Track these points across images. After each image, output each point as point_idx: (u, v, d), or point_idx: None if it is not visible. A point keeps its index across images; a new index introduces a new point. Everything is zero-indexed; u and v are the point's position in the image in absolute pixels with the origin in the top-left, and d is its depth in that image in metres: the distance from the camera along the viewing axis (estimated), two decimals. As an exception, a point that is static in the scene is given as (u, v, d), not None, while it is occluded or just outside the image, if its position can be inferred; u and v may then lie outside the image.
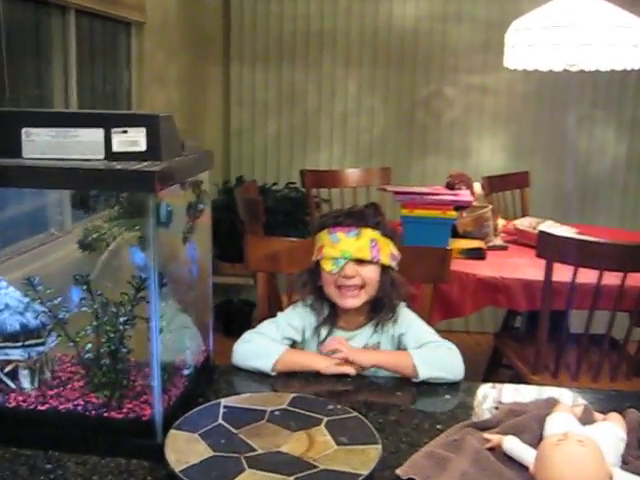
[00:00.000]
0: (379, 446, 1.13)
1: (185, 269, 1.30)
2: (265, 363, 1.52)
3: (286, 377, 1.53)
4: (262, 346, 1.58)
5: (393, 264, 1.66)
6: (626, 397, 1.49)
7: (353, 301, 1.61)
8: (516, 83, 4.23)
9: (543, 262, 2.30)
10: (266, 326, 1.65)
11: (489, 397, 1.48)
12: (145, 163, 1.10)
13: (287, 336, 1.65)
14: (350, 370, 1.51)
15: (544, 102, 4.25)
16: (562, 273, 2.29)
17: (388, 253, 1.64)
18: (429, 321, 1.91)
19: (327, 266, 1.59)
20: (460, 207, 2.83)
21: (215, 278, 4.21)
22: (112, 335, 1.16)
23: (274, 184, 4.32)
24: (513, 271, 2.54)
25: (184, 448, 1.11)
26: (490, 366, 3.43)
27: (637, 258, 2.20)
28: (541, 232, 2.24)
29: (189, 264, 1.32)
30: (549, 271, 2.26)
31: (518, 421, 1.26)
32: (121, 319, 1.16)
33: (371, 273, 1.61)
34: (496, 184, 3.62)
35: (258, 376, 1.53)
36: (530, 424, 1.25)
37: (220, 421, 1.21)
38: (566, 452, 1.03)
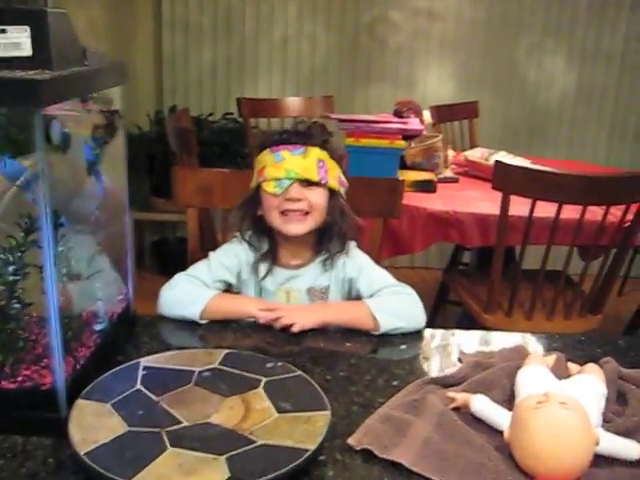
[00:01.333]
0: (328, 412, 0.96)
1: (91, 204, 1.08)
2: (192, 311, 1.34)
3: (219, 327, 1.34)
4: (189, 292, 1.39)
5: (342, 190, 1.48)
6: (596, 342, 1.35)
7: (298, 226, 1.42)
8: (465, 8, 4.02)
9: (496, 195, 2.15)
10: (197, 268, 1.46)
11: (450, 347, 1.32)
12: (31, 72, 0.87)
13: (220, 278, 1.46)
14: (294, 326, 1.32)
15: (493, 29, 4.05)
16: (517, 207, 2.14)
17: (336, 177, 1.46)
18: (378, 259, 1.74)
19: (269, 187, 1.40)
20: (409, 137, 2.64)
21: (149, 215, 3.97)
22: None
23: (210, 114, 4.05)
24: (465, 205, 2.38)
25: (93, 423, 0.91)
26: (437, 303, 3.33)
27: (597, 190, 2.06)
28: (497, 162, 2.08)
29: (97, 198, 1.10)
30: (505, 204, 2.10)
31: (486, 376, 1.10)
32: (10, 268, 0.94)
33: (319, 197, 1.43)
34: (444, 114, 3.44)
35: (187, 327, 1.33)
36: (500, 379, 1.09)
37: (138, 386, 1.02)
38: (548, 417, 0.87)
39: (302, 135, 1.43)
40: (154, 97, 4.21)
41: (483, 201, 2.41)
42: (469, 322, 2.49)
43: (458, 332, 1.38)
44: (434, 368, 1.22)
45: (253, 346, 1.25)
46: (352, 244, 1.51)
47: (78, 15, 3.22)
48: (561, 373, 1.10)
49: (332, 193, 1.45)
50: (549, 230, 2.14)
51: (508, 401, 1.06)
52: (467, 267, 3.22)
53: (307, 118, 3.36)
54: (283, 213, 1.41)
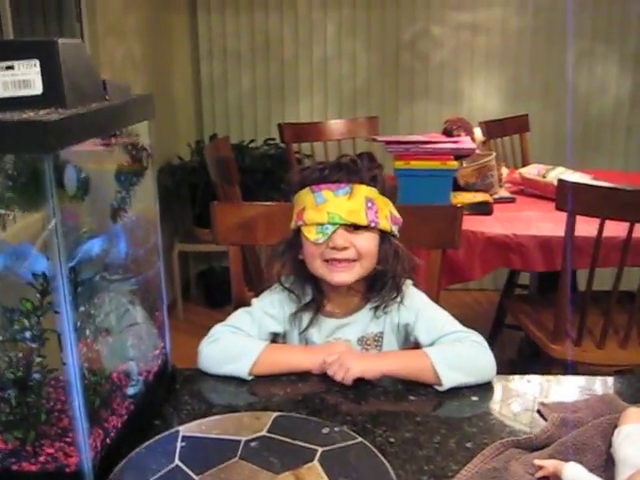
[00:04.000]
0: (395, 491, 0.82)
1: (118, 252, 0.96)
2: (240, 367, 1.20)
3: (266, 381, 1.20)
4: (235, 345, 1.24)
5: (394, 229, 1.31)
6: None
7: (345, 275, 1.26)
8: (509, 19, 3.86)
9: (556, 215, 1.99)
10: (238, 318, 1.32)
11: (527, 396, 1.16)
12: (42, 112, 0.76)
13: (266, 329, 1.32)
14: (349, 374, 1.16)
15: (540, 38, 3.88)
16: (581, 227, 1.98)
17: (388, 215, 1.29)
18: (437, 294, 1.60)
19: (311, 234, 1.24)
20: (460, 156, 2.49)
21: (193, 246, 3.89)
22: (16, 357, 0.82)
23: (251, 141, 3.96)
24: (525, 227, 2.21)
25: (124, 511, 0.79)
26: (494, 328, 3.15)
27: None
28: (560, 181, 1.91)
29: (123, 246, 0.98)
30: (571, 226, 1.93)
31: (576, 437, 0.95)
32: (27, 334, 0.82)
33: (368, 242, 1.26)
34: (494, 129, 3.28)
35: (232, 382, 1.20)
36: (593, 440, 0.94)
37: (177, 462, 0.89)
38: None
39: (346, 171, 1.25)
40: (194, 126, 4.16)
41: (544, 222, 2.24)
42: (531, 349, 2.32)
43: (533, 378, 1.22)
44: (511, 424, 1.06)
45: (306, 404, 1.12)
46: (408, 282, 1.35)
47: (116, 47, 3.17)
48: (665, 431, 0.94)
49: (383, 234, 1.29)
50: (618, 251, 1.97)
51: (605, 468, 0.90)
52: (528, 291, 3.03)
53: (352, 140, 3.30)
54: (327, 262, 1.26)
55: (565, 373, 2.24)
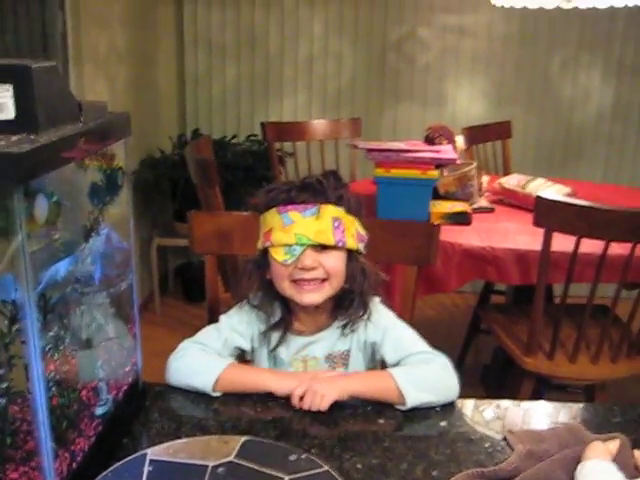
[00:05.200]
0: (359, 526, 0.82)
1: (88, 271, 0.96)
2: (203, 382, 1.20)
3: (237, 399, 1.20)
4: (200, 360, 1.25)
5: (361, 247, 1.31)
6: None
7: (314, 295, 1.26)
8: (496, 24, 3.86)
9: (535, 228, 1.99)
10: (206, 334, 1.32)
11: (495, 421, 1.17)
12: (14, 138, 0.75)
13: (233, 345, 1.33)
14: (321, 403, 1.16)
15: (526, 44, 3.89)
16: (559, 242, 1.99)
17: (354, 234, 1.29)
18: (412, 312, 1.60)
19: (279, 256, 1.24)
20: (441, 165, 2.49)
21: (172, 240, 3.85)
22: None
23: (234, 137, 3.94)
24: (503, 239, 2.22)
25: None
26: (469, 332, 3.18)
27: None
28: (539, 198, 1.92)
29: (95, 263, 0.97)
30: (547, 242, 1.95)
31: (541, 470, 0.96)
32: (-7, 359, 0.81)
33: (336, 262, 1.27)
34: (477, 135, 3.29)
35: (202, 399, 1.20)
36: (556, 474, 0.95)
37: (142, 487, 0.89)
38: None
39: (312, 191, 1.25)
40: (177, 119, 4.13)
41: (521, 234, 2.25)
42: (505, 356, 2.34)
43: (502, 403, 1.23)
44: (478, 452, 1.07)
45: (275, 424, 1.12)
46: (375, 300, 1.36)
47: (100, 37, 3.14)
48: (628, 466, 0.95)
49: (350, 253, 1.29)
50: (594, 267, 1.99)
51: (567, 502, 0.91)
52: (504, 300, 3.05)
53: (334, 140, 3.30)
54: (296, 282, 1.26)
55: (536, 385, 2.27)
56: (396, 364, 1.27)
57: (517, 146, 3.68)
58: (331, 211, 1.25)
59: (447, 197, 2.52)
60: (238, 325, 1.33)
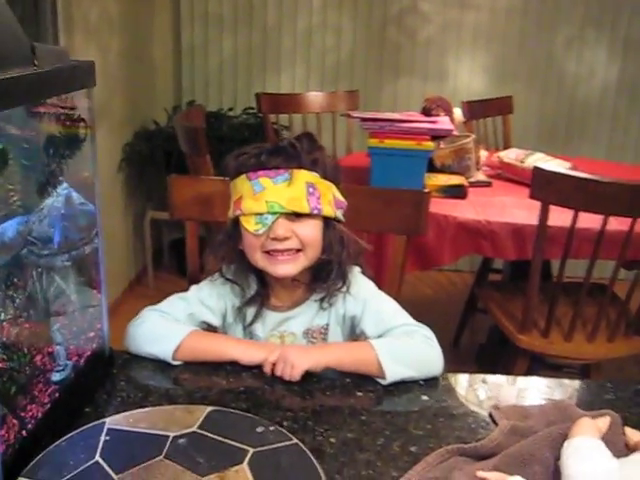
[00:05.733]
0: (326, 502, 0.76)
1: (46, 232, 0.89)
2: (163, 349, 1.14)
3: (208, 368, 1.14)
4: (160, 326, 1.18)
5: (339, 214, 1.23)
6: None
7: (288, 267, 1.19)
8: (499, -3, 3.77)
9: (532, 202, 1.92)
10: (171, 303, 1.25)
11: (480, 397, 1.11)
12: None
13: (200, 319, 1.25)
14: (293, 372, 1.10)
15: (530, 19, 3.80)
16: (556, 216, 1.92)
17: (331, 200, 1.20)
18: (400, 284, 1.54)
19: (250, 225, 1.17)
20: (438, 137, 2.42)
21: (167, 214, 3.82)
22: None
23: (230, 109, 3.87)
24: (499, 213, 2.15)
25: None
26: (466, 311, 3.12)
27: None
28: (536, 169, 1.85)
29: (53, 225, 0.91)
30: (544, 215, 1.88)
31: (524, 447, 0.89)
32: None
33: (311, 230, 1.19)
34: (477, 110, 3.21)
35: (171, 368, 1.14)
36: (541, 452, 0.88)
37: (97, 458, 0.83)
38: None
39: (285, 156, 1.17)
40: (172, 91, 4.06)
41: (518, 209, 2.18)
42: (502, 336, 2.28)
43: (490, 378, 1.17)
44: (460, 428, 1.01)
45: (247, 396, 1.06)
46: (355, 270, 1.28)
47: (92, 6, 3.06)
48: (618, 444, 0.89)
49: (327, 221, 1.22)
50: (592, 243, 1.92)
51: (552, 481, 0.85)
52: (501, 278, 2.99)
53: (331, 113, 3.22)
54: (269, 253, 1.19)
55: (531, 364, 2.22)
56: (378, 337, 1.20)
57: (519, 122, 3.60)
58: (304, 176, 1.17)
59: (443, 170, 2.45)
60: (208, 298, 1.26)
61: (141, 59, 3.76)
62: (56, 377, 0.94)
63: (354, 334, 1.28)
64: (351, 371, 1.13)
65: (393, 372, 1.10)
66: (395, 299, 1.30)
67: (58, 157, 0.89)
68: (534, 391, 1.15)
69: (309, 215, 1.17)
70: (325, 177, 1.20)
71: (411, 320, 1.21)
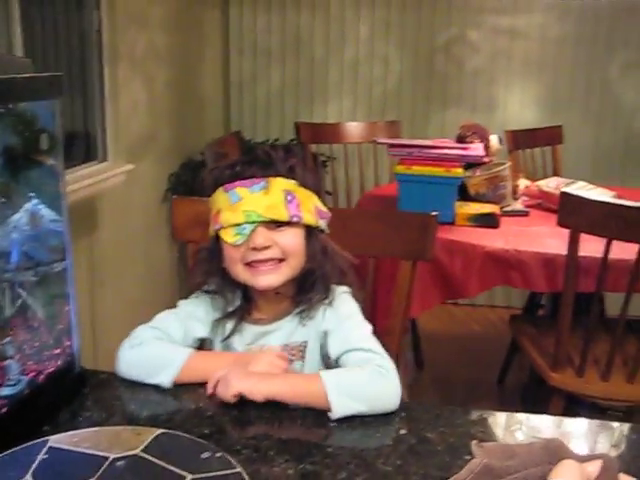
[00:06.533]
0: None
1: (5, 247, 0.87)
2: (162, 380, 1.09)
3: (183, 390, 1.09)
4: (158, 354, 1.13)
5: (322, 224, 1.19)
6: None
7: (271, 278, 1.14)
8: (550, 25, 3.68)
9: (567, 232, 1.83)
10: (164, 319, 1.20)
11: (464, 433, 1.02)
12: None
13: (192, 334, 1.21)
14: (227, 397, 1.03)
15: (583, 45, 3.69)
16: (590, 246, 1.82)
17: (312, 208, 1.17)
18: (406, 311, 1.47)
19: (228, 237, 1.13)
20: (473, 164, 2.35)
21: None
22: None
23: (276, 140, 3.87)
24: (530, 243, 2.05)
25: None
26: (513, 347, 2.98)
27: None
28: (563, 194, 1.76)
29: (11, 240, 0.89)
30: (574, 243, 1.78)
31: (494, 487, 0.81)
32: None
33: (292, 239, 1.15)
34: (522, 139, 3.12)
35: (147, 389, 1.10)
36: (512, 493, 0.79)
37: (28, 477, 0.79)
38: None
39: (260, 165, 1.14)
40: (221, 123, 4.10)
41: (552, 238, 2.08)
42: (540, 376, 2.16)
43: (475, 411, 1.07)
44: (434, 464, 0.92)
45: (214, 420, 1.01)
46: (341, 290, 1.22)
47: (138, 37, 3.12)
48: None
49: (309, 230, 1.17)
50: (629, 275, 1.80)
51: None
52: (543, 312, 2.86)
53: (372, 143, 3.18)
54: (250, 265, 1.15)
55: (570, 406, 2.08)
56: (337, 358, 1.14)
57: (572, 153, 3.48)
58: (281, 184, 1.14)
59: (477, 198, 2.37)
60: (196, 311, 1.22)
61: (189, 91, 3.82)
62: (4, 391, 0.91)
63: (324, 353, 1.21)
64: (300, 404, 1.04)
65: (339, 406, 1.01)
66: (402, 323, 1.23)
67: (12, 169, 0.87)
68: (528, 429, 1.05)
69: (289, 223, 1.14)
70: (304, 186, 1.17)
71: (375, 347, 1.12)
